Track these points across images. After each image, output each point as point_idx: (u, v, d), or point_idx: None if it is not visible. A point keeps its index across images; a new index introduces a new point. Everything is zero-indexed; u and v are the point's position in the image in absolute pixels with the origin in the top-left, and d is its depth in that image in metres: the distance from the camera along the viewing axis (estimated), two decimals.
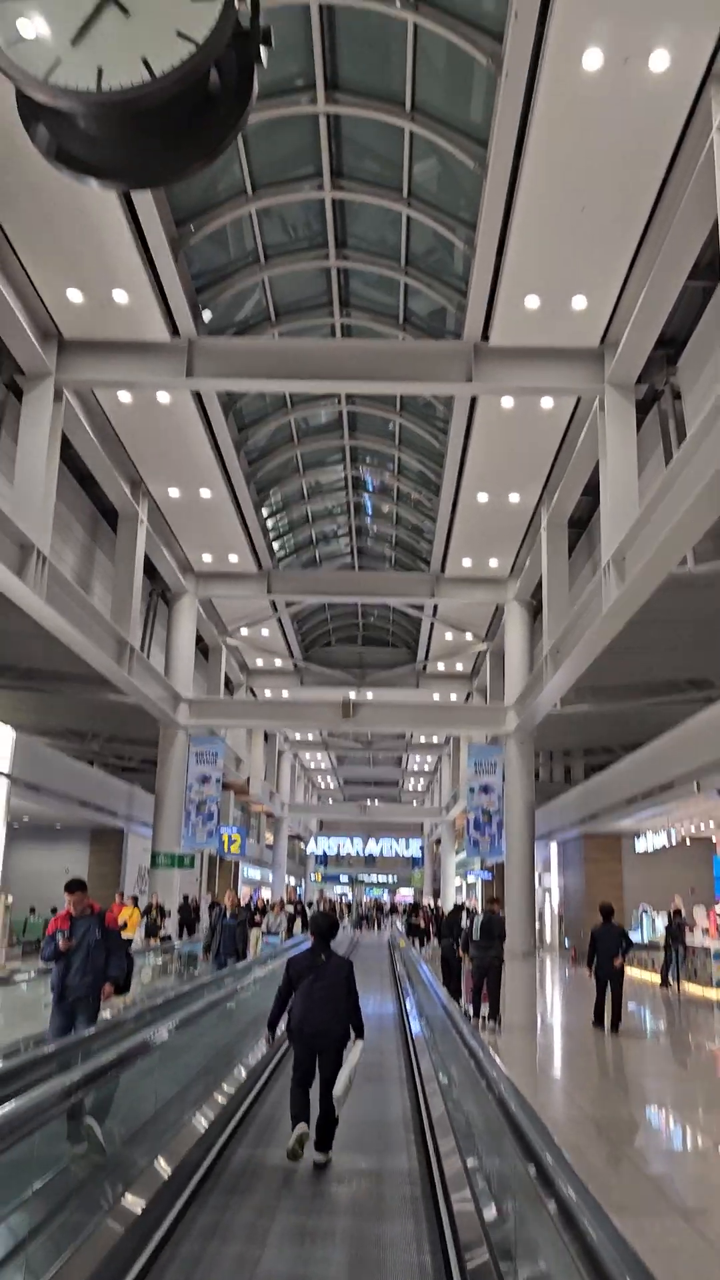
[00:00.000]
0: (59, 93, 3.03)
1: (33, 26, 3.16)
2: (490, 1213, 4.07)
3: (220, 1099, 6.76)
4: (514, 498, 21.27)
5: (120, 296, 14.65)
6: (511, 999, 13.92)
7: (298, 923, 26.64)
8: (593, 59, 10.30)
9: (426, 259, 16.47)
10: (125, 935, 20.54)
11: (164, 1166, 5.03)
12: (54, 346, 15.66)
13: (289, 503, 26.38)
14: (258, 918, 24.18)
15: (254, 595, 27.58)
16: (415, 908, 40.29)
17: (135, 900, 22.09)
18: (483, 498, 21.34)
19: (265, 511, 25.02)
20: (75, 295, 14.58)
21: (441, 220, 14.85)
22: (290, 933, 25.15)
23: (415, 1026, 10.11)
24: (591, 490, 18.57)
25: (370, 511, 28.47)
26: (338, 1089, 5.88)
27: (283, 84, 13.13)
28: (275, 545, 27.40)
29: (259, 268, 16.50)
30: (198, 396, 17.86)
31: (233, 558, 25.81)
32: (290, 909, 28.06)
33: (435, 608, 29.27)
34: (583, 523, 21.98)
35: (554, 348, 15.58)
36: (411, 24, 11.73)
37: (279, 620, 31.50)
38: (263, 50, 3.36)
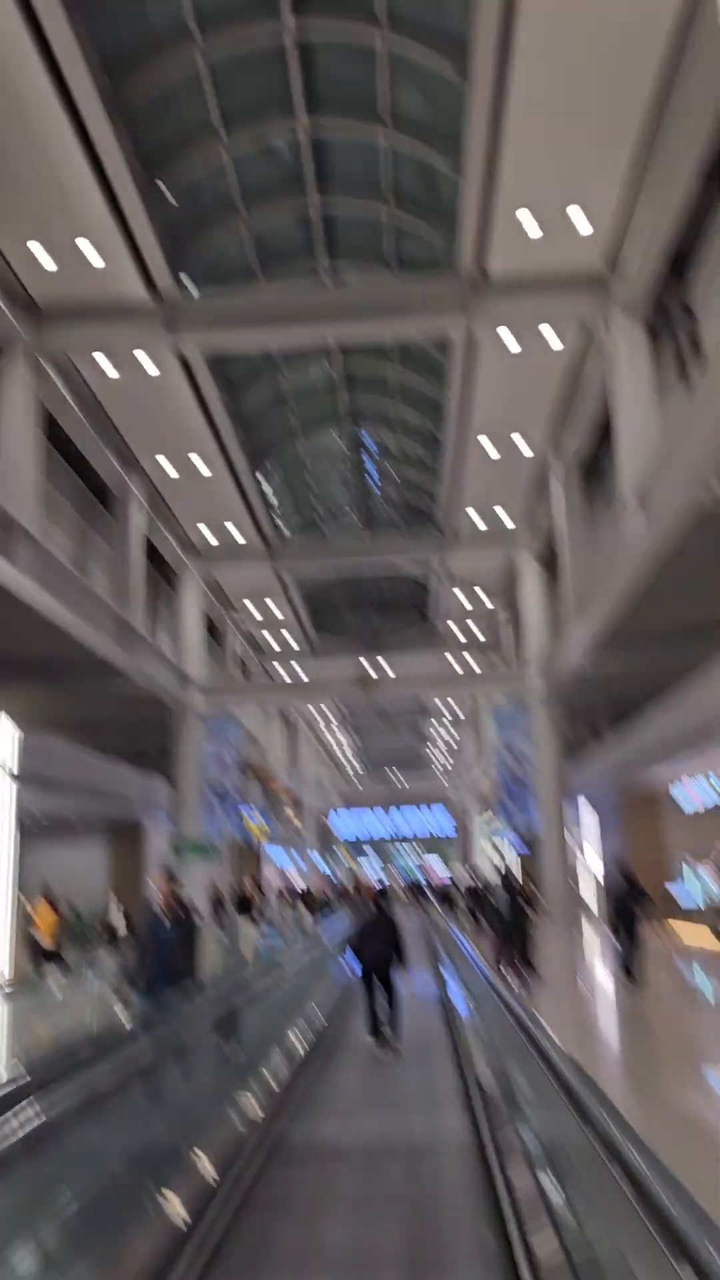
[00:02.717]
0: None
1: None
2: None
3: None
4: (521, 445, 20.26)
5: (89, 249, 13.73)
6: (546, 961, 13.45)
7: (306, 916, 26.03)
8: None
9: (415, 193, 15.46)
10: (47, 947, 16.52)
11: None
12: (23, 311, 14.78)
13: (288, 470, 25.44)
14: (254, 898, 23.09)
15: (258, 569, 26.71)
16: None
17: (50, 898, 16.53)
18: (488, 447, 20.35)
19: (264, 481, 24.11)
20: (39, 249, 13.66)
21: (427, 141, 13.83)
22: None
23: None
24: (604, 431, 17.58)
25: (374, 474, 27.46)
26: None
27: (247, 12, 12.15)
28: (277, 517, 26.50)
29: (237, 216, 15.54)
30: (184, 363, 16.96)
31: (235, 532, 24.94)
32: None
33: (447, 570, 28.25)
34: (596, 469, 20.97)
35: (554, 273, 14.59)
36: None
37: (286, 595, 30.57)
38: None
